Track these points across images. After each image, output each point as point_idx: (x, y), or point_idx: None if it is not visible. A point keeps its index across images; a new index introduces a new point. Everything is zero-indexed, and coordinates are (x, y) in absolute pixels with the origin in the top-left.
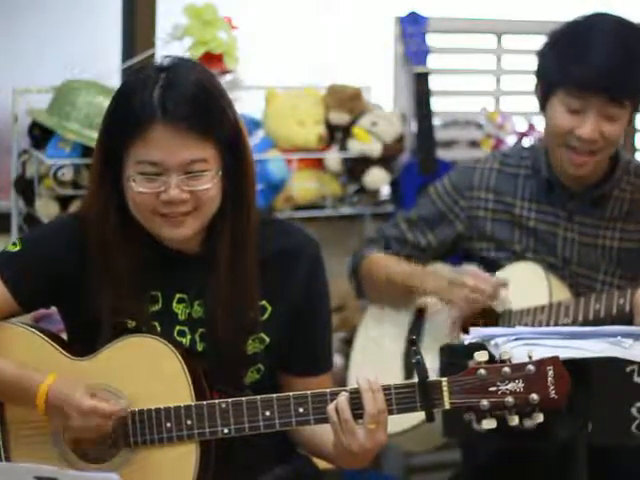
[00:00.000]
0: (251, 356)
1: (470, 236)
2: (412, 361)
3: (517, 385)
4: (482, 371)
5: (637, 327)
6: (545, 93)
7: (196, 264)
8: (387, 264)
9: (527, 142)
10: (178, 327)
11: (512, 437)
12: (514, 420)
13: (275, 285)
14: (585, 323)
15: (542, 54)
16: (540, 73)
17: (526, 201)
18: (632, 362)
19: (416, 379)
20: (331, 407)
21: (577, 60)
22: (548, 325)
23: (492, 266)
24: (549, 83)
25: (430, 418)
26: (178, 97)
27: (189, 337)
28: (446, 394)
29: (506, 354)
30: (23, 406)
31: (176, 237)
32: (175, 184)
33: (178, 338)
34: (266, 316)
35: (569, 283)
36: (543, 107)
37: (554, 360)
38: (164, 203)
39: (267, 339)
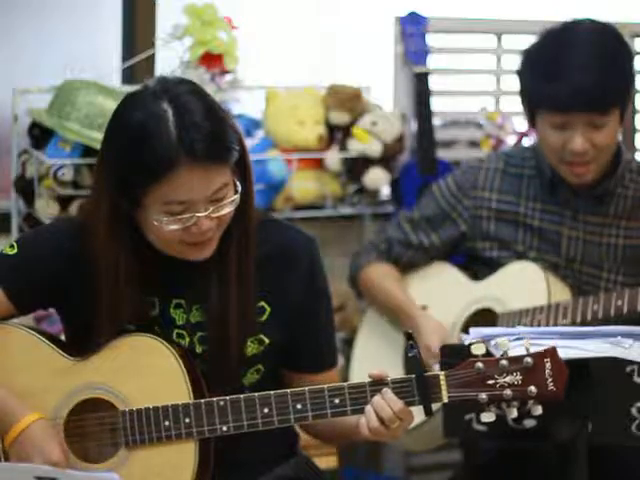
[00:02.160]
0: (250, 357)
1: (473, 236)
2: (408, 355)
3: (515, 378)
4: (480, 364)
5: (637, 327)
6: (530, 113)
7: (193, 270)
8: (380, 285)
9: (528, 142)
10: (177, 331)
11: (512, 437)
12: (513, 413)
13: (273, 285)
14: (583, 324)
15: (520, 75)
16: (522, 94)
17: (530, 201)
18: (632, 362)
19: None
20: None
21: (553, 81)
22: (547, 325)
23: (495, 266)
24: (532, 104)
25: (428, 412)
26: (197, 135)
27: (187, 340)
28: (444, 388)
29: (504, 346)
30: None
31: (202, 258)
32: (205, 216)
33: (177, 340)
34: (265, 317)
35: (572, 282)
36: (533, 125)
37: (551, 352)
38: (193, 234)
39: (266, 340)
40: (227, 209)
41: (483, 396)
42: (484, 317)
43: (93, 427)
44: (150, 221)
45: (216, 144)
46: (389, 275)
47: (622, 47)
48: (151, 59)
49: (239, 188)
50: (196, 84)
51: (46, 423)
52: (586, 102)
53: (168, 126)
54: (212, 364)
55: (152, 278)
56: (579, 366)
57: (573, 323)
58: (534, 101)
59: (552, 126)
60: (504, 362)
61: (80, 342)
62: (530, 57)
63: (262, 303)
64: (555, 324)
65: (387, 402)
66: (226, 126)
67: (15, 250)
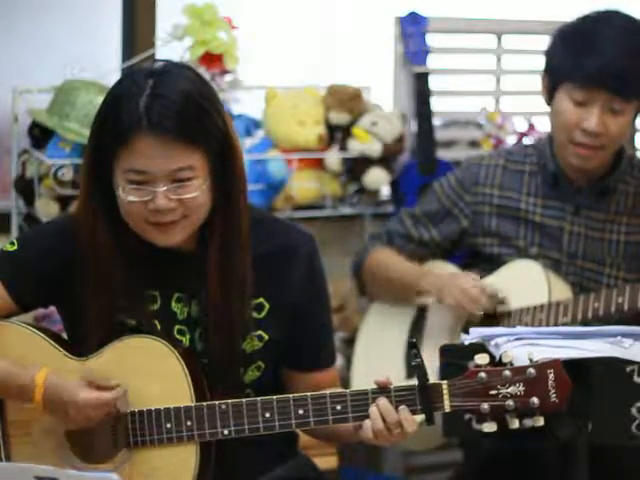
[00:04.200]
0: (250, 354)
1: (474, 232)
2: (412, 364)
3: (517, 389)
4: (482, 374)
5: (637, 327)
6: (552, 87)
7: (192, 263)
8: (388, 260)
9: (527, 142)
10: (177, 326)
11: (512, 437)
12: (515, 423)
13: (272, 282)
14: (584, 322)
15: (551, 48)
16: (548, 66)
17: (532, 197)
18: (632, 362)
19: (416, 381)
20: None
21: (587, 53)
22: (547, 324)
23: (495, 262)
24: (557, 76)
25: (430, 421)
26: (164, 108)
27: (188, 336)
28: (446, 397)
29: (507, 357)
30: (20, 402)
31: (167, 243)
32: (162, 193)
33: (178, 337)
34: (264, 314)
35: (574, 278)
36: (549, 102)
37: (555, 363)
38: (152, 212)
39: (266, 336)
40: (190, 194)
41: (485, 406)
42: (485, 316)
43: (95, 427)
44: (117, 194)
45: (184, 122)
46: (393, 255)
47: None
48: (151, 59)
49: (209, 178)
50: (196, 71)
51: (55, 374)
52: (612, 82)
53: (142, 95)
54: (211, 362)
55: (152, 271)
56: (579, 366)
57: (574, 321)
58: (560, 73)
59: (572, 102)
60: (507, 373)
61: (81, 341)
62: (563, 34)
63: (261, 300)
64: (556, 323)
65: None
66: (205, 110)
67: (15, 247)
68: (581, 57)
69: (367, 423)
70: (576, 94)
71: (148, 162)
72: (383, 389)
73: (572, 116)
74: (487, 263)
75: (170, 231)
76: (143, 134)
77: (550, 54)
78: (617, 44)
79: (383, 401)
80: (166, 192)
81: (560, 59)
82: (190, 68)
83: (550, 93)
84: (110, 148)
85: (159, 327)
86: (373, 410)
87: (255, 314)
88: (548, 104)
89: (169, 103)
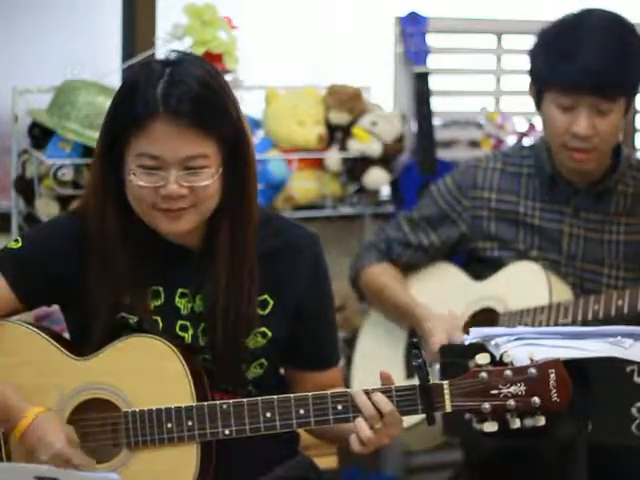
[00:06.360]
0: (253, 351)
1: (474, 236)
2: (413, 364)
3: (519, 388)
4: (484, 374)
5: (637, 327)
6: (538, 93)
7: (197, 258)
8: (383, 284)
9: (527, 142)
10: (180, 322)
11: (512, 436)
12: (516, 423)
13: (277, 280)
14: (584, 324)
15: (532, 54)
16: (532, 73)
17: (530, 200)
18: (632, 362)
19: (417, 381)
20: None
21: (566, 60)
22: (548, 325)
23: (496, 265)
24: (541, 83)
25: (431, 421)
26: (181, 93)
27: (191, 332)
28: (447, 397)
29: (508, 357)
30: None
31: (174, 231)
32: (174, 179)
33: (180, 333)
34: (268, 310)
35: (574, 279)
36: (539, 107)
37: (556, 363)
38: (163, 198)
39: (269, 333)
40: (202, 182)
41: (486, 406)
42: (486, 317)
43: (95, 427)
44: (128, 180)
45: (199, 109)
46: (391, 275)
47: (636, 40)
48: (152, 58)
49: (221, 168)
50: (210, 63)
51: (50, 415)
52: (595, 84)
53: (159, 81)
54: (214, 357)
55: (157, 266)
56: (579, 366)
57: (574, 323)
58: (544, 80)
59: (558, 107)
60: (508, 372)
61: (83, 340)
62: (544, 37)
63: (265, 296)
64: (556, 324)
65: (370, 399)
66: (219, 99)
67: (19, 244)
68: (561, 63)
69: (352, 437)
70: (561, 100)
71: (162, 147)
72: (382, 389)
73: (560, 122)
74: (487, 266)
75: (178, 218)
76: (159, 119)
77: (532, 61)
78: (596, 46)
79: (364, 397)
80: (178, 178)
81: (541, 66)
82: (203, 59)
83: (537, 99)
84: (124, 133)
85: (161, 324)
86: (358, 420)
87: (259, 311)
88: (538, 109)
89: (187, 89)
